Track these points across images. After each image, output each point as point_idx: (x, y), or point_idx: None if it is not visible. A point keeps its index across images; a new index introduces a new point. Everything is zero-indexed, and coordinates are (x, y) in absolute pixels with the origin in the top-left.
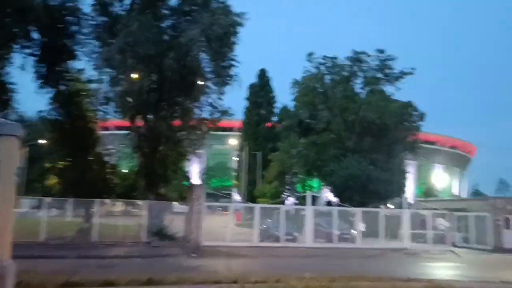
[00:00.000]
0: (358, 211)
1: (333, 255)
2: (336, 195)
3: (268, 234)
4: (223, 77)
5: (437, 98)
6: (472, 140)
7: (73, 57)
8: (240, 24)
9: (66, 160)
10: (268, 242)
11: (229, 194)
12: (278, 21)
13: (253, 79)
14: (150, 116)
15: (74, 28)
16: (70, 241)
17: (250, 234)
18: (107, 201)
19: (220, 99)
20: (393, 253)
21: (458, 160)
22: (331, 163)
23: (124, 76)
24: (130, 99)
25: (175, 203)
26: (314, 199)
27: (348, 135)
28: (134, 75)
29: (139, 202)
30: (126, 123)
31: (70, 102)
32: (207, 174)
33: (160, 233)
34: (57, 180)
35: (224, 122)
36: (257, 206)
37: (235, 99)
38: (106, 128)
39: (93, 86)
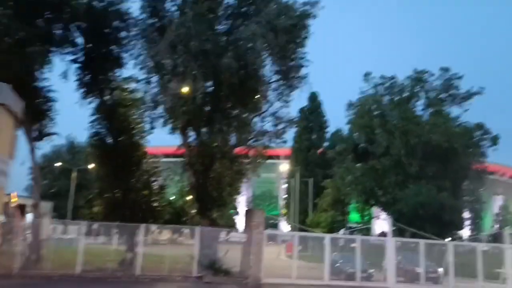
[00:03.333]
0: (449, 245)
1: None
2: (403, 225)
3: (338, 270)
4: (290, 79)
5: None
6: None
7: (120, 64)
8: (312, 16)
9: (109, 179)
10: (340, 281)
11: (276, 224)
12: (329, 38)
13: (303, 101)
14: (203, 129)
15: (122, 33)
16: (110, 274)
17: (315, 270)
18: (154, 227)
19: (286, 105)
20: None
21: None
22: (394, 190)
23: (175, 78)
24: (181, 104)
25: (229, 231)
26: (368, 230)
27: (410, 160)
28: (186, 78)
29: (191, 228)
30: (172, 149)
31: (114, 113)
32: (253, 202)
33: (213, 267)
34: (101, 204)
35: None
36: (327, 237)
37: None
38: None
39: (140, 92)
